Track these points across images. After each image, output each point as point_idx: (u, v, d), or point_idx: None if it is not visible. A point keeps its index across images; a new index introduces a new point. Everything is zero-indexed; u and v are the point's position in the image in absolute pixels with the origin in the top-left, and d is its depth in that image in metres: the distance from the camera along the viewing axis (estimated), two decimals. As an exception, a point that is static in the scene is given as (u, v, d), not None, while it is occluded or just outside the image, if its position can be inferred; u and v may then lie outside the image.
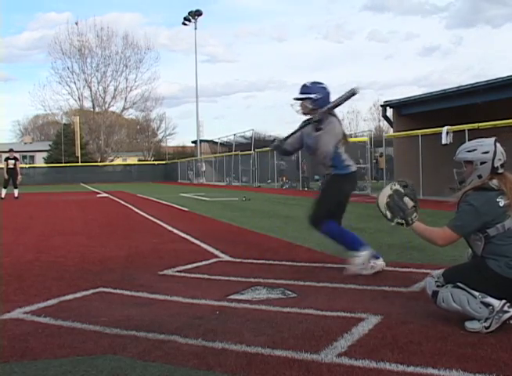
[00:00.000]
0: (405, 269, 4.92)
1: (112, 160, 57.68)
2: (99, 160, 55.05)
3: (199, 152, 43.60)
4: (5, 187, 19.05)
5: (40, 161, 54.12)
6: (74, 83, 56.45)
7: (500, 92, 14.77)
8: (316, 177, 25.14)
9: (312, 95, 4.73)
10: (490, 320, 3.03)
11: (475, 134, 12.30)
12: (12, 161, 19.00)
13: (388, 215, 3.53)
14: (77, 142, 48.76)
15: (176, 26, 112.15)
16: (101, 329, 3.21)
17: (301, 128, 4.91)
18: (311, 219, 4.93)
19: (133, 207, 13.87)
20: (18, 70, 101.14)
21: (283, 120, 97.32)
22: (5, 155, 20.46)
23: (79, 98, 57.38)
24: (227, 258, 5.75)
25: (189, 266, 5.27)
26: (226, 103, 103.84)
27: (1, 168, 21.08)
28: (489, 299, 3.06)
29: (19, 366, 2.66)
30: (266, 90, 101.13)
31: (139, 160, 58.50)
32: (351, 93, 4.70)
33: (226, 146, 40.80)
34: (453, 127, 14.14)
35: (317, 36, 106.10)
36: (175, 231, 8.34)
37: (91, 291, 4.23)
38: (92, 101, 58.00)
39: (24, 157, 54.81)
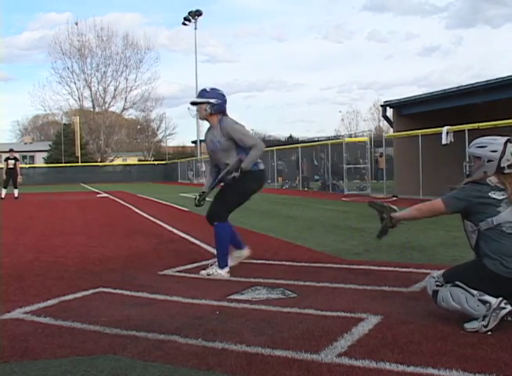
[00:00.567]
0: (405, 269, 4.92)
1: (112, 161, 57.66)
2: (99, 160, 55.03)
3: (199, 152, 43.58)
4: (5, 187, 19.06)
5: (40, 161, 54.12)
6: (74, 83, 56.51)
7: (500, 92, 14.77)
8: (316, 177, 25.17)
9: (213, 100, 4.77)
10: (488, 318, 3.05)
11: (475, 134, 12.29)
12: (12, 161, 19.00)
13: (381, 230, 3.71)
14: (77, 142, 48.75)
15: (176, 26, 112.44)
16: (101, 329, 3.21)
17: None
18: (210, 215, 4.87)
19: (133, 207, 13.88)
20: (18, 70, 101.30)
21: (283, 120, 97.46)
22: (4, 155, 20.47)
23: (79, 98, 57.43)
24: (227, 258, 5.74)
25: (189, 266, 5.27)
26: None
27: (1, 168, 21.09)
28: (486, 297, 3.10)
29: (19, 366, 2.66)
30: (266, 90, 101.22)
31: (139, 161, 58.50)
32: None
33: (226, 146, 40.72)
34: (453, 127, 14.13)
35: (317, 36, 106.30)
36: (175, 231, 8.34)
37: (91, 291, 4.23)
38: (92, 101, 58.04)
39: (24, 157, 54.82)
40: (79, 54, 55.57)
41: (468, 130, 13.35)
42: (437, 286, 3.29)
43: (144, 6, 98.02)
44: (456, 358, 2.65)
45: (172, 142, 65.87)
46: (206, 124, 5.12)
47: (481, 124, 13.02)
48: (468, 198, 3.31)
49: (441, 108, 16.85)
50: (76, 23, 55.03)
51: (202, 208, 5.17)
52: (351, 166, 21.64)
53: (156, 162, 52.29)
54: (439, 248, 6.00)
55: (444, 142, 14.15)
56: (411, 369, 2.52)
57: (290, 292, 4.12)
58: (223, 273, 4.77)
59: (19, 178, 19.20)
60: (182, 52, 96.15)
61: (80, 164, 47.74)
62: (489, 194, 3.28)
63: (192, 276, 4.85)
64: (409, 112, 18.58)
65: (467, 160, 3.61)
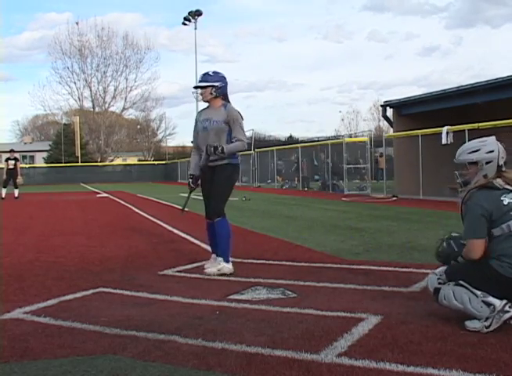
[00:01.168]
0: (405, 269, 4.92)
1: (112, 160, 57.66)
2: (99, 160, 55.03)
3: (199, 152, 43.55)
4: (4, 187, 19.07)
5: (40, 161, 54.11)
6: (74, 83, 56.52)
7: (500, 92, 14.77)
8: (316, 177, 25.18)
9: (217, 83, 4.91)
10: (490, 320, 3.03)
11: (475, 134, 12.29)
12: (13, 162, 19.03)
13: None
14: (77, 142, 48.75)
15: (176, 26, 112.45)
16: (101, 329, 3.21)
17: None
18: (213, 212, 4.92)
19: (133, 207, 13.88)
20: (18, 70, 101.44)
21: (283, 120, 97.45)
22: (4, 155, 20.47)
23: (79, 98, 57.44)
24: (227, 258, 5.74)
25: (189, 266, 5.27)
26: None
27: (2, 168, 21.09)
28: (491, 299, 3.07)
29: (19, 366, 2.66)
30: (266, 90, 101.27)
31: (139, 160, 58.49)
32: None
33: (226, 146, 40.73)
34: (453, 127, 14.14)
35: (317, 36, 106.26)
36: (175, 231, 8.34)
37: (91, 291, 4.23)
38: (92, 101, 58.04)
39: (24, 157, 54.79)
40: (79, 54, 55.63)
41: (468, 130, 13.35)
42: (439, 283, 3.26)
43: (144, 6, 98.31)
44: (456, 358, 2.65)
45: (172, 142, 65.90)
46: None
47: (481, 124, 13.02)
48: (487, 212, 3.18)
49: (441, 108, 16.85)
50: (76, 23, 55.14)
51: (202, 208, 5.17)
52: (351, 166, 21.66)
53: (156, 162, 52.29)
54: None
55: (444, 142, 14.15)
56: (411, 369, 2.52)
57: (290, 292, 4.12)
58: (230, 266, 4.84)
59: (20, 179, 19.22)
60: (182, 52, 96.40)
61: (80, 164, 47.74)
62: (501, 199, 3.21)
63: (193, 276, 4.85)
64: (409, 112, 18.58)
65: (457, 170, 3.50)
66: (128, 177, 46.53)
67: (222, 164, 4.91)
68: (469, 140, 3.71)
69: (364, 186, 20.47)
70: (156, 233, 8.14)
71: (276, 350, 2.79)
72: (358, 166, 22.10)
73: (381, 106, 20.12)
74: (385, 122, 23.22)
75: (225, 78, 5.01)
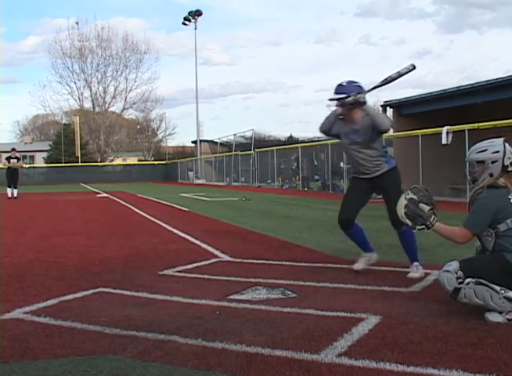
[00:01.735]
0: (405, 269, 4.91)
1: (112, 160, 57.64)
2: (99, 160, 55.00)
3: (199, 152, 43.59)
4: (9, 187, 19.09)
5: (40, 161, 54.08)
6: (74, 83, 56.46)
7: (500, 92, 14.77)
8: (316, 177, 25.15)
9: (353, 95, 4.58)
10: None
11: (475, 134, 12.30)
12: (15, 160, 19.03)
13: (409, 223, 3.63)
14: (77, 142, 48.73)
15: (175, 31, 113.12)
16: (101, 329, 3.21)
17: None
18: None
19: (133, 207, 13.87)
20: (22, 72, 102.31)
21: (281, 121, 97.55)
22: (5, 155, 20.48)
23: (79, 98, 57.37)
24: (227, 258, 5.75)
25: (189, 266, 5.27)
26: (224, 104, 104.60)
27: (1, 168, 21.10)
28: (511, 293, 3.17)
29: (19, 366, 2.66)
30: (264, 92, 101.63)
31: (139, 160, 58.45)
32: (410, 69, 4.67)
33: (226, 146, 40.76)
34: (453, 127, 14.13)
35: (309, 40, 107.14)
36: (175, 231, 8.34)
37: (91, 291, 4.23)
38: (92, 101, 57.99)
39: (24, 157, 54.59)
40: (79, 54, 55.60)
41: (468, 130, 13.34)
42: (459, 283, 3.25)
43: (145, 12, 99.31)
44: (456, 358, 2.65)
45: (172, 142, 65.88)
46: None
47: (481, 124, 13.02)
48: (492, 211, 3.35)
49: (441, 108, 16.86)
50: (76, 23, 55.07)
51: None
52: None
53: (156, 162, 52.28)
54: (439, 248, 5.99)
55: (444, 142, 14.14)
56: (411, 369, 2.52)
57: (290, 292, 4.12)
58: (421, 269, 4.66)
59: (20, 163, 19.31)
60: (179, 56, 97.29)
61: (80, 164, 47.72)
62: (509, 197, 3.38)
63: (193, 276, 4.85)
64: (409, 112, 18.59)
65: (468, 167, 3.71)
66: (127, 177, 46.50)
67: (385, 170, 4.75)
68: (469, 140, 3.84)
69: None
70: (156, 233, 8.14)
71: (276, 350, 2.79)
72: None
73: (381, 106, 20.10)
74: (385, 122, 23.17)
75: (360, 87, 4.63)
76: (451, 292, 3.29)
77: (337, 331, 3.07)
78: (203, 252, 6.16)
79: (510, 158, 3.45)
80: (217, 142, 42.94)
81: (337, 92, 4.61)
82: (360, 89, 4.62)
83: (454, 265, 3.35)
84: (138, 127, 63.99)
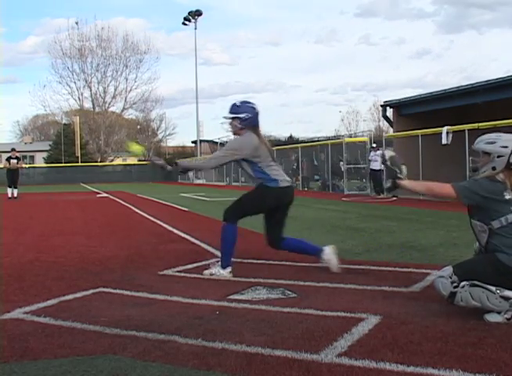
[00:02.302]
0: (405, 269, 4.91)
1: (112, 160, 57.63)
2: (99, 160, 54.99)
3: (199, 152, 43.61)
4: (9, 187, 19.09)
5: (40, 161, 54.09)
6: (74, 83, 56.43)
7: (500, 92, 14.79)
8: (316, 177, 25.17)
9: (242, 115, 4.76)
10: (511, 312, 3.14)
11: (475, 134, 12.28)
12: (15, 161, 19.03)
13: (389, 165, 3.76)
14: (77, 142, 48.74)
15: (175, 31, 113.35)
16: (101, 329, 3.21)
17: None
18: (224, 215, 4.93)
19: (133, 207, 13.87)
20: (22, 72, 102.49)
21: (281, 121, 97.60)
22: (5, 155, 20.47)
23: (79, 98, 57.35)
24: (227, 258, 5.74)
25: (189, 266, 5.27)
26: (224, 104, 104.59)
27: (1, 168, 21.10)
28: (507, 292, 3.16)
29: (19, 366, 2.66)
30: (264, 92, 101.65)
31: (139, 161, 58.45)
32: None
33: (226, 146, 40.70)
34: (453, 127, 14.14)
35: (309, 39, 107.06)
36: (175, 231, 8.34)
37: (91, 291, 4.23)
38: (92, 101, 57.97)
39: (24, 157, 54.66)
40: (79, 54, 55.59)
41: (468, 130, 13.35)
42: (454, 287, 3.27)
43: (145, 12, 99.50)
44: (456, 358, 2.65)
45: (172, 142, 65.93)
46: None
47: (480, 124, 13.03)
48: (483, 193, 3.33)
49: (441, 108, 16.87)
50: (76, 23, 55.07)
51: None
52: (351, 166, 21.66)
53: (156, 162, 52.19)
54: (439, 248, 5.99)
55: (444, 142, 14.15)
56: (411, 369, 2.52)
57: (290, 292, 4.12)
58: (225, 273, 4.77)
59: (20, 164, 19.26)
60: (179, 56, 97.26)
61: (80, 164, 47.73)
62: (504, 193, 3.33)
63: (193, 276, 4.85)
64: (409, 112, 18.60)
65: (470, 157, 3.71)
66: (128, 177, 46.51)
67: (257, 184, 4.88)
68: (469, 140, 3.81)
69: (364, 186, 20.47)
70: (156, 233, 8.14)
71: (276, 350, 2.79)
72: (358, 166, 22.09)
73: (381, 106, 20.15)
74: (385, 122, 23.23)
75: (253, 109, 4.82)
76: (447, 297, 3.30)
77: (337, 331, 3.07)
78: (203, 252, 6.16)
79: None
80: (217, 142, 42.94)
81: (231, 112, 4.81)
82: (252, 111, 4.79)
83: (448, 270, 3.37)
84: (138, 127, 63.97)
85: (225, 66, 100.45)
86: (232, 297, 4.00)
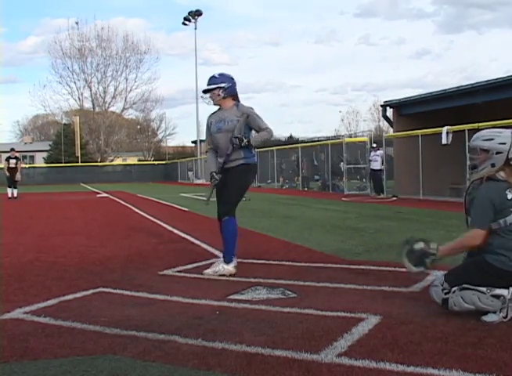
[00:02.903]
0: (405, 269, 4.91)
1: (112, 160, 57.65)
2: (99, 160, 55.01)
3: (199, 152, 43.60)
4: (9, 187, 19.09)
5: (40, 161, 54.11)
6: (74, 83, 56.47)
7: (500, 92, 14.78)
8: (316, 177, 25.17)
9: (223, 84, 4.88)
10: (505, 310, 3.13)
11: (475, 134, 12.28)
12: (14, 161, 19.02)
13: (422, 268, 3.60)
14: (77, 142, 48.76)
15: (175, 31, 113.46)
16: (101, 329, 3.21)
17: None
18: (222, 213, 4.97)
19: (133, 207, 13.88)
20: (22, 72, 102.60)
21: (281, 121, 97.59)
22: (5, 155, 20.46)
23: (79, 98, 57.39)
24: (227, 258, 5.74)
25: (189, 266, 5.27)
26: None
27: (1, 168, 21.09)
28: (497, 291, 3.16)
29: (19, 366, 2.66)
30: (264, 92, 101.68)
31: (139, 160, 58.47)
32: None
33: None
34: (453, 127, 14.14)
35: (309, 40, 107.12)
36: (175, 231, 8.34)
37: (91, 291, 4.23)
38: (92, 101, 58.00)
39: (24, 157, 54.71)
40: (79, 54, 55.59)
41: (468, 130, 13.35)
42: (445, 294, 3.30)
43: (145, 12, 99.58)
44: (456, 358, 2.65)
45: (172, 142, 65.94)
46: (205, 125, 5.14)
47: (480, 124, 13.01)
48: (495, 205, 3.27)
49: (441, 108, 16.86)
50: (76, 23, 55.08)
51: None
52: (351, 166, 21.66)
53: (156, 162, 52.30)
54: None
55: (444, 142, 14.16)
56: (411, 369, 2.52)
57: (290, 292, 4.12)
58: (230, 268, 4.80)
59: (18, 176, 19.13)
60: (179, 56, 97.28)
61: (80, 164, 47.75)
62: (506, 192, 3.30)
63: (193, 276, 4.85)
64: (409, 112, 18.60)
65: (468, 153, 3.68)
66: (128, 177, 46.54)
67: (237, 164, 4.88)
68: (469, 140, 3.76)
69: (364, 186, 20.47)
70: (156, 233, 8.14)
71: (276, 350, 2.79)
72: (358, 166, 22.10)
73: (381, 106, 20.13)
74: (385, 122, 23.23)
75: (232, 78, 4.98)
76: (441, 304, 3.33)
77: (337, 331, 3.07)
78: (203, 252, 6.16)
79: None
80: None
81: (211, 84, 4.90)
82: (230, 80, 4.94)
83: (440, 278, 3.41)
84: (138, 127, 64.02)
85: (224, 67, 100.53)
86: (232, 297, 4.00)
